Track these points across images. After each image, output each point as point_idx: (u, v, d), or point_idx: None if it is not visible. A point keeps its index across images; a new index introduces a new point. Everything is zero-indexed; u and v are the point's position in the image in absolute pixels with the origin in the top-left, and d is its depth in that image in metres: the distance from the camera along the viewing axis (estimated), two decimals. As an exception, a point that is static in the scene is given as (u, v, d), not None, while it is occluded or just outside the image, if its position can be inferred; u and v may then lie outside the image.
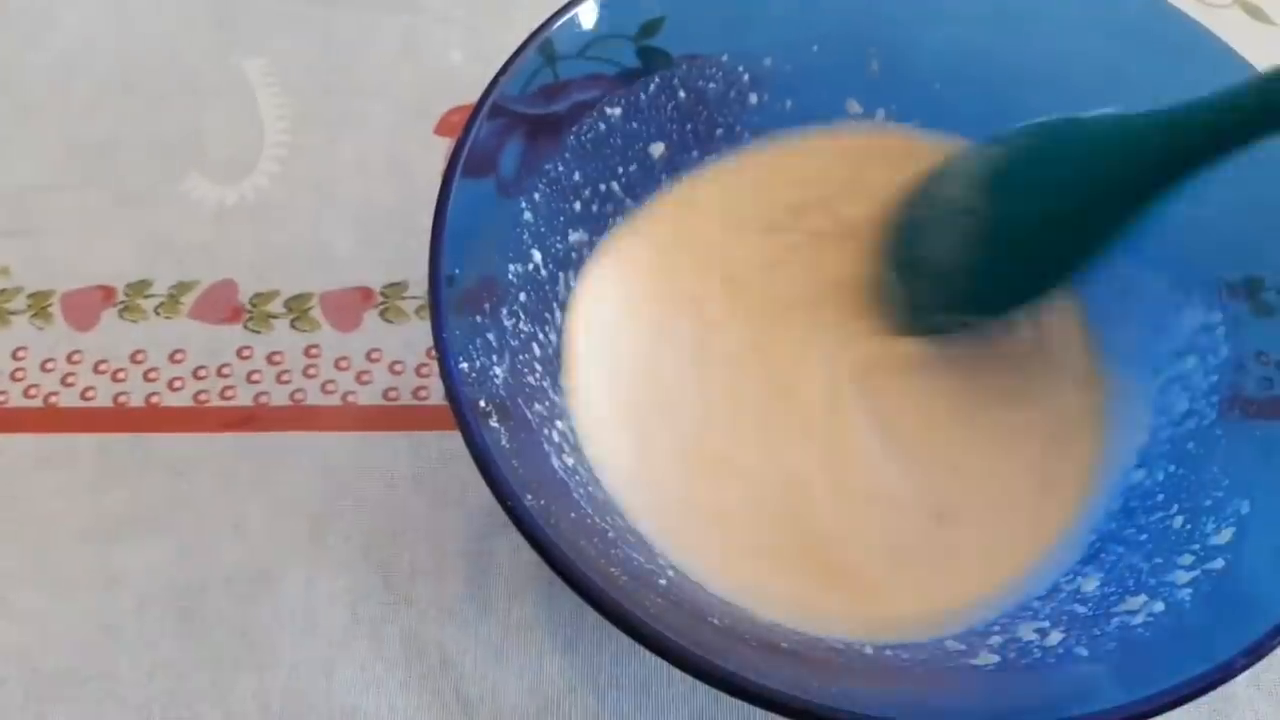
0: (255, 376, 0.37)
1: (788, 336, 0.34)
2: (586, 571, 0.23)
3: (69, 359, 0.37)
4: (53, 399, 0.36)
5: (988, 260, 0.32)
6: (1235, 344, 0.31)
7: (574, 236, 0.33)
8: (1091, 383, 0.34)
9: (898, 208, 0.34)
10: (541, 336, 0.31)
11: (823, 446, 0.32)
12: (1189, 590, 0.27)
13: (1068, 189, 0.30)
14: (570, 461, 0.29)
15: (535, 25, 0.31)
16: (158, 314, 0.38)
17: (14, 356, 0.37)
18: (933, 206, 0.33)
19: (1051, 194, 0.30)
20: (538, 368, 0.30)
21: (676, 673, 0.24)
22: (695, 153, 0.36)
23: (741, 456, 0.32)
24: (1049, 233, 0.31)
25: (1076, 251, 0.31)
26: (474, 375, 0.27)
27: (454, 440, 0.34)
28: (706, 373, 0.33)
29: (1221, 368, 0.31)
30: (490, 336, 0.28)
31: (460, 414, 0.25)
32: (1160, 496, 0.30)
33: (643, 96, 0.34)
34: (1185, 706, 0.23)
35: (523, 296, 0.31)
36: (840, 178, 0.36)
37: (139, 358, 0.37)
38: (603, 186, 0.34)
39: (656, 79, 0.34)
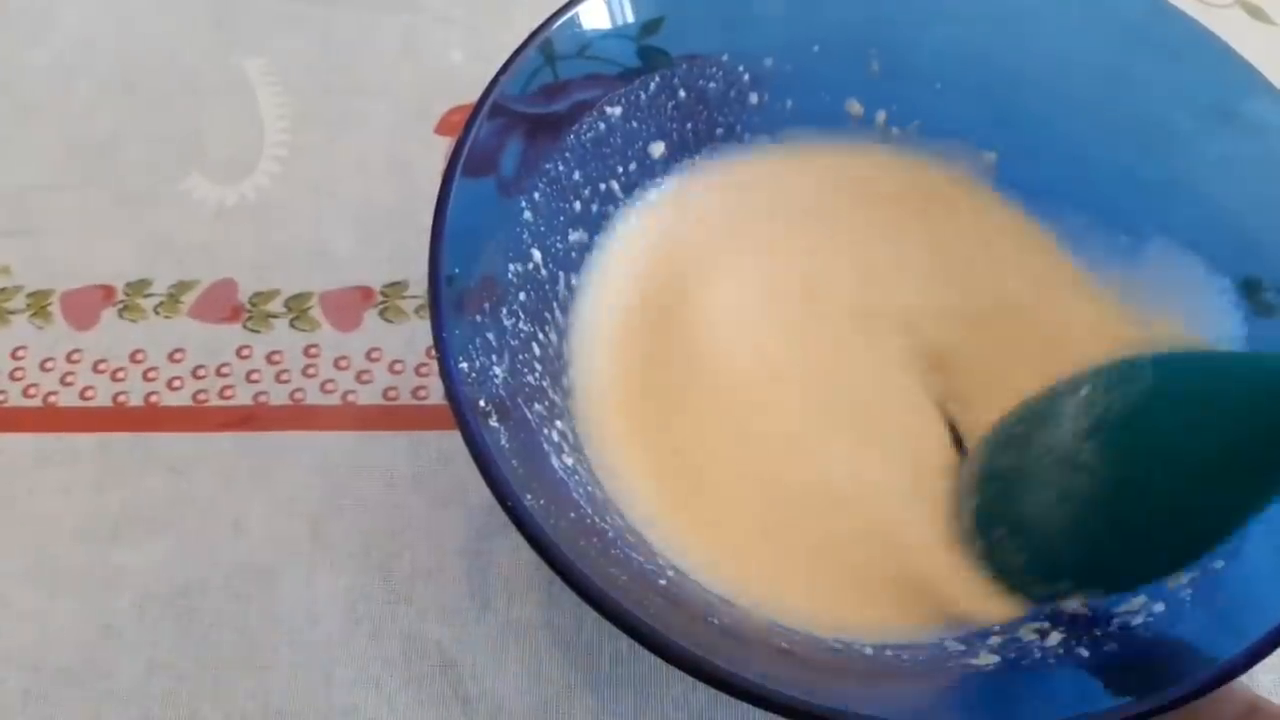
0: (255, 376, 0.37)
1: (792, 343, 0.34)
2: (586, 571, 0.23)
3: (68, 358, 0.37)
4: (52, 398, 0.36)
5: (1112, 526, 0.27)
6: (1235, 344, 0.31)
7: (574, 236, 0.33)
8: None
9: (984, 451, 0.30)
10: (541, 336, 0.31)
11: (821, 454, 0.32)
12: (1189, 590, 0.27)
13: (1219, 445, 0.25)
14: (570, 461, 0.29)
15: (535, 25, 0.31)
16: (157, 313, 0.38)
17: (13, 356, 0.37)
18: (1032, 454, 0.28)
19: (1198, 452, 0.25)
20: (537, 367, 0.30)
21: (676, 673, 0.24)
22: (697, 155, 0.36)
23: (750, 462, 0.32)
24: (1189, 498, 0.25)
25: (1222, 522, 0.25)
26: (474, 375, 0.27)
27: (454, 440, 0.34)
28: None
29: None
30: (490, 336, 0.28)
31: (460, 414, 0.25)
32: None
33: (643, 96, 0.34)
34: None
35: (523, 296, 0.31)
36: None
37: (138, 357, 0.37)
38: (603, 186, 0.34)
39: (656, 78, 0.34)
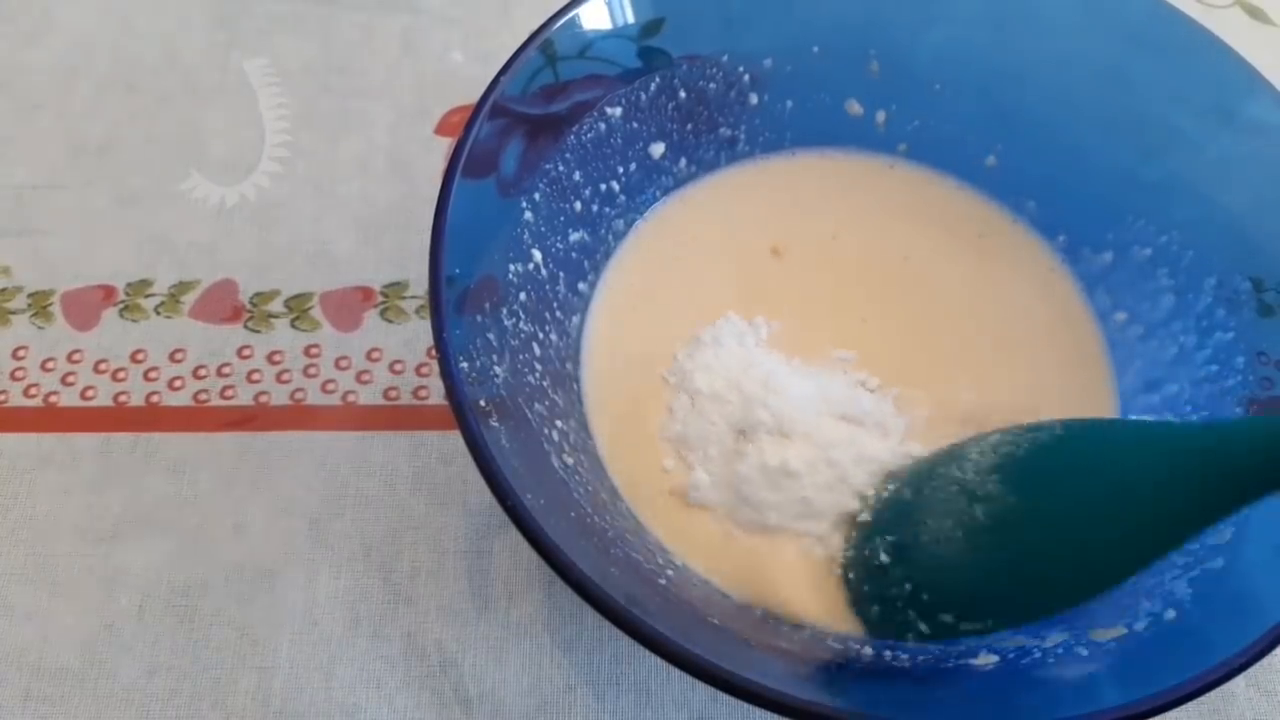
0: (255, 376, 0.37)
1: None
2: (586, 571, 0.23)
3: (69, 358, 0.37)
4: (53, 398, 0.36)
5: (997, 564, 0.27)
6: (1237, 343, 0.31)
7: (574, 236, 0.33)
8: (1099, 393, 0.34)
9: (881, 491, 0.30)
10: (541, 336, 0.31)
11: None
12: (1189, 590, 0.27)
13: (1111, 500, 0.25)
14: (570, 461, 0.29)
15: (535, 25, 0.32)
16: (158, 313, 0.38)
17: (14, 356, 0.37)
18: (931, 493, 0.28)
19: (1092, 503, 0.25)
20: (538, 367, 0.31)
21: (676, 672, 0.24)
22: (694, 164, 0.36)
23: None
24: (1078, 547, 0.26)
25: (1105, 572, 0.25)
26: (474, 375, 0.27)
27: (454, 440, 0.34)
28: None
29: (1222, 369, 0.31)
30: (490, 336, 0.28)
31: (460, 414, 0.25)
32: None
33: (643, 96, 0.34)
34: (1185, 706, 0.23)
35: (523, 296, 0.31)
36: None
37: (139, 357, 0.37)
38: (603, 186, 0.34)
39: (657, 79, 0.34)
